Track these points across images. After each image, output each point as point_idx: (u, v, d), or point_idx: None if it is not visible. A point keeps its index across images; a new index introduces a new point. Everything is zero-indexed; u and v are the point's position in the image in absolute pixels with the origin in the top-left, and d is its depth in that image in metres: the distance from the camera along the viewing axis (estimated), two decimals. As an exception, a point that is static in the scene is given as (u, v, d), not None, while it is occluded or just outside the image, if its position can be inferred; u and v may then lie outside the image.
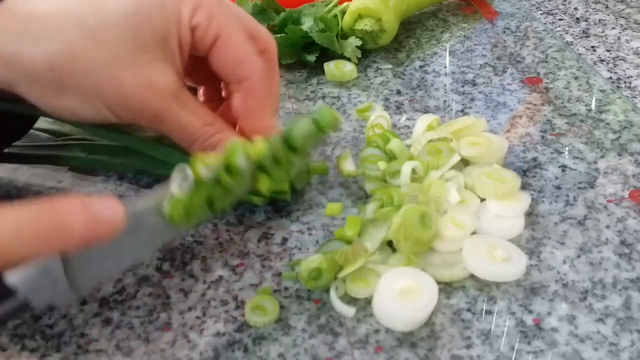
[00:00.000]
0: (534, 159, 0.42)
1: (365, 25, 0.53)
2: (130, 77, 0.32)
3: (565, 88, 0.50)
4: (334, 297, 0.33)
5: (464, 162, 0.40)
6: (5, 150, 0.42)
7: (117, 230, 0.26)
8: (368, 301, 0.33)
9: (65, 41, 0.31)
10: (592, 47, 0.56)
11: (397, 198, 0.36)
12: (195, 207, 0.30)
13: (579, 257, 0.35)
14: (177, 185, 0.29)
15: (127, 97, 0.32)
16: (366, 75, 0.53)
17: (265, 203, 0.39)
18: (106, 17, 0.31)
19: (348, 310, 0.32)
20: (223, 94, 0.39)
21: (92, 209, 0.25)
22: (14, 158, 0.43)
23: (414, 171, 0.38)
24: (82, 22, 0.31)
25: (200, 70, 0.36)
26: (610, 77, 0.51)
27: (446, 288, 0.34)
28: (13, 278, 0.25)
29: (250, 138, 0.34)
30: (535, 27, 0.59)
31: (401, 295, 0.31)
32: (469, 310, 0.32)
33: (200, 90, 0.40)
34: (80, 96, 0.32)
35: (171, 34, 0.32)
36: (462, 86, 0.51)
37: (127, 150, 0.40)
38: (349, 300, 0.33)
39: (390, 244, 0.35)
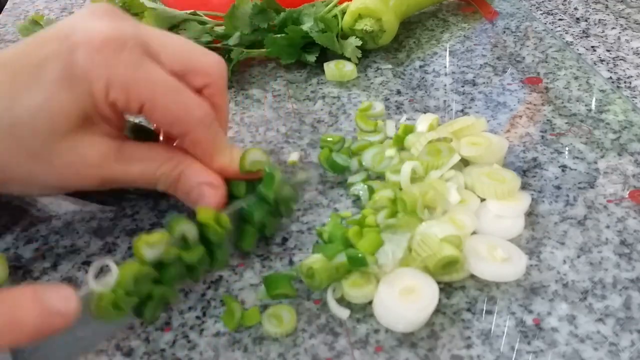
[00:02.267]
0: (534, 159, 0.42)
1: (365, 25, 0.53)
2: (62, 163, 0.32)
3: (565, 88, 0.50)
4: (330, 299, 0.33)
5: (464, 162, 0.40)
6: None
7: (70, 322, 0.26)
8: (368, 301, 0.33)
9: None
10: (592, 47, 0.56)
11: (409, 203, 0.36)
12: (127, 299, 0.28)
13: (579, 257, 0.35)
14: (95, 281, 0.28)
15: (65, 179, 0.32)
16: (366, 75, 0.53)
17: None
18: (20, 114, 0.31)
19: (343, 312, 0.32)
20: None
21: (44, 302, 0.25)
22: None
23: (413, 171, 0.38)
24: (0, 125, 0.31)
25: None
26: (610, 77, 0.51)
27: (446, 288, 0.34)
28: None
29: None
30: (535, 27, 0.59)
31: (402, 296, 0.31)
32: (469, 310, 0.32)
33: None
34: (21, 186, 0.33)
35: (88, 114, 0.32)
36: (462, 86, 0.51)
37: None
38: (348, 301, 0.33)
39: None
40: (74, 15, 0.33)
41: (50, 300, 0.25)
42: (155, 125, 0.35)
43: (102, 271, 0.28)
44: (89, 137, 0.32)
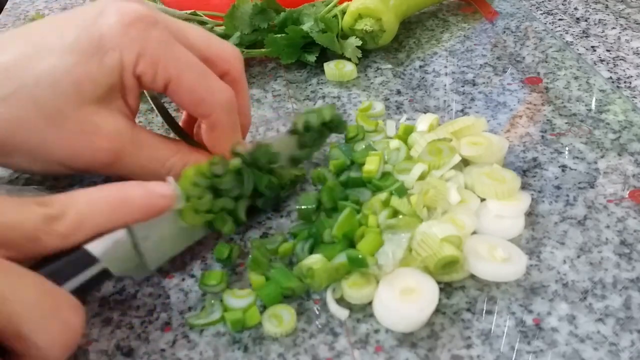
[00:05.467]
0: (534, 159, 0.42)
1: (365, 25, 0.53)
2: (75, 131, 0.32)
3: (565, 88, 0.50)
4: (330, 299, 0.33)
5: (464, 162, 0.40)
6: None
7: (170, 203, 0.31)
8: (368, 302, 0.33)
9: (5, 105, 0.31)
10: (592, 47, 0.56)
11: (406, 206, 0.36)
12: (202, 209, 0.33)
13: (579, 257, 0.35)
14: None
15: (76, 149, 0.32)
16: (366, 75, 0.53)
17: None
18: (43, 76, 0.31)
19: (342, 313, 0.32)
20: None
21: (147, 186, 0.30)
22: None
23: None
24: (21, 84, 0.31)
25: None
26: (610, 77, 0.51)
27: (446, 288, 0.34)
28: (94, 248, 0.29)
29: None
30: (535, 27, 0.59)
31: (402, 296, 0.31)
32: (469, 310, 0.32)
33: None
34: (27, 155, 0.33)
35: (114, 85, 0.32)
36: (462, 86, 0.51)
37: None
38: (348, 302, 0.33)
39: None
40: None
41: (152, 186, 0.31)
42: (178, 104, 0.35)
43: None
44: (108, 111, 0.33)
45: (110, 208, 0.29)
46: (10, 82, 0.31)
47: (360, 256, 0.32)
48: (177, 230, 0.33)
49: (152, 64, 0.32)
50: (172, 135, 0.41)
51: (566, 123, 0.46)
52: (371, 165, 0.39)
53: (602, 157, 0.42)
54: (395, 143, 0.40)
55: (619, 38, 0.57)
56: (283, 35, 0.53)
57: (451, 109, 0.48)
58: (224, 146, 0.36)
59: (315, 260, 0.33)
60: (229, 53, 0.36)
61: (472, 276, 0.34)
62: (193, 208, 0.33)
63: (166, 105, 0.43)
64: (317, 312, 0.33)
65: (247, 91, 0.38)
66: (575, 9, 0.63)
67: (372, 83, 0.52)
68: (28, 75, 0.31)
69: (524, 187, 0.40)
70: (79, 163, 0.33)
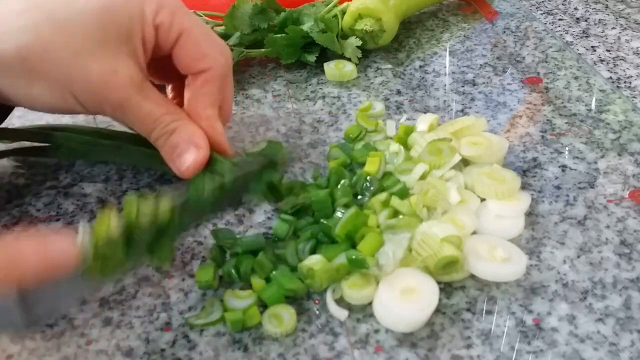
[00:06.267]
0: (534, 159, 0.42)
1: (365, 25, 0.53)
2: (96, 67, 0.33)
3: (565, 88, 0.50)
4: (329, 300, 0.33)
5: (464, 162, 0.40)
6: None
7: (71, 264, 0.27)
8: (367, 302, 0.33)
9: (36, 33, 0.33)
10: (592, 47, 0.56)
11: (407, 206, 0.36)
12: (112, 266, 0.29)
13: (579, 257, 0.35)
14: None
15: (93, 85, 0.34)
16: (366, 75, 0.53)
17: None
18: (75, 13, 0.34)
19: (342, 313, 0.32)
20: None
21: (46, 243, 0.27)
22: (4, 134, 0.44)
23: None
24: (52, 17, 0.33)
25: (167, 69, 0.38)
26: (610, 77, 0.51)
27: (446, 288, 0.34)
28: None
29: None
30: (535, 27, 0.59)
31: (402, 296, 0.31)
32: (469, 310, 0.32)
33: (169, 88, 0.42)
34: (49, 85, 0.34)
35: (135, 32, 0.35)
36: (462, 86, 0.51)
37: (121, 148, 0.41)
38: (348, 303, 0.33)
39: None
40: None
41: (52, 242, 0.28)
42: (181, 60, 0.37)
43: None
44: (125, 57, 0.34)
45: None
46: (42, 14, 0.33)
47: (360, 257, 0.32)
48: (79, 286, 0.29)
49: (170, 15, 0.35)
50: None
51: (566, 123, 0.46)
52: (371, 166, 0.39)
53: (602, 157, 0.42)
54: (394, 147, 0.40)
55: (619, 38, 0.57)
56: (283, 35, 0.53)
57: (451, 109, 0.48)
58: (207, 103, 0.37)
59: (315, 261, 0.33)
60: (221, 44, 0.38)
61: (472, 276, 0.34)
62: (101, 267, 0.29)
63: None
64: (317, 313, 0.33)
65: (232, 88, 0.40)
66: (575, 9, 0.63)
67: (372, 83, 0.52)
68: (61, 12, 0.33)
69: (524, 187, 0.40)
70: (93, 100, 0.35)
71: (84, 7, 0.34)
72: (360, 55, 0.53)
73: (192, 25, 0.36)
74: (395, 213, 0.36)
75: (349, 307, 0.33)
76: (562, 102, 0.48)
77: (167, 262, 0.34)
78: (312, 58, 0.53)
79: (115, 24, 0.34)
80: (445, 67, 0.54)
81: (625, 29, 0.59)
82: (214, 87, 0.37)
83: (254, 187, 0.36)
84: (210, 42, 0.37)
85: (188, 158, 0.35)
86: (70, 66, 0.33)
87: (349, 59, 0.53)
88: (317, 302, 0.33)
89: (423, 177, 0.38)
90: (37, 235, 0.27)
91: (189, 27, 0.36)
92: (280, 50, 0.53)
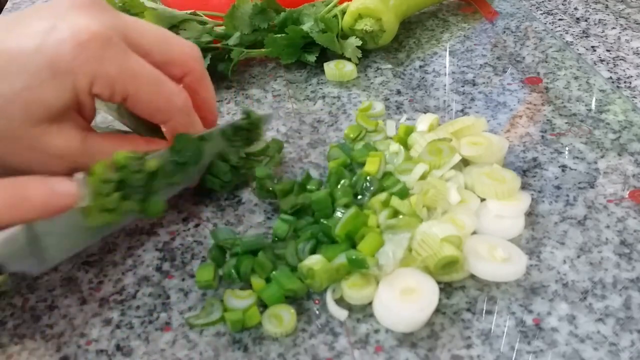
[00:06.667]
0: (534, 159, 0.42)
1: (365, 25, 0.53)
2: (27, 149, 0.32)
3: (565, 88, 0.50)
4: (329, 300, 0.33)
5: (464, 162, 0.40)
6: None
7: (72, 202, 0.30)
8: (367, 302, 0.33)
9: None
10: (592, 47, 0.56)
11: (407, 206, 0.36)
12: (108, 208, 0.32)
13: (579, 257, 0.35)
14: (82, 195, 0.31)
15: (30, 164, 0.33)
16: (366, 75, 0.53)
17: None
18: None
19: (341, 314, 0.32)
20: None
21: (49, 184, 0.30)
22: None
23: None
24: None
25: None
26: (610, 77, 0.51)
27: (446, 288, 0.34)
28: None
29: None
30: (535, 27, 0.59)
31: (402, 296, 0.31)
32: (469, 310, 0.32)
33: None
34: None
35: (67, 106, 0.32)
36: (462, 86, 0.51)
37: None
38: (348, 303, 0.33)
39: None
40: (53, 4, 0.33)
41: (53, 183, 0.30)
42: (136, 114, 0.36)
43: None
44: (59, 128, 0.33)
45: (6, 206, 0.29)
46: None
47: (360, 257, 0.32)
48: (82, 226, 0.32)
49: (109, 84, 0.32)
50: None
51: (566, 123, 0.46)
52: (371, 166, 0.39)
53: (602, 157, 0.42)
54: (394, 147, 0.40)
55: (619, 38, 0.57)
56: (283, 35, 0.53)
57: (451, 109, 0.48)
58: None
59: (315, 261, 0.33)
60: (188, 53, 0.37)
61: (472, 276, 0.34)
62: (99, 207, 0.32)
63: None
64: (317, 313, 0.33)
65: (211, 87, 0.39)
66: (575, 9, 0.63)
67: (372, 83, 0.52)
68: None
69: (524, 187, 0.40)
70: (36, 173, 0.33)
71: (4, 90, 0.31)
72: (360, 55, 0.53)
73: (137, 86, 0.33)
74: (395, 213, 0.36)
75: (349, 307, 0.33)
76: (562, 102, 0.48)
77: (159, 214, 0.35)
78: (312, 58, 0.53)
79: (42, 103, 0.31)
80: (445, 67, 0.54)
81: (625, 29, 0.59)
82: (183, 130, 0.36)
83: (228, 150, 0.40)
84: (164, 90, 0.34)
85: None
86: (2, 153, 0.32)
87: (349, 59, 0.53)
88: (317, 302, 0.33)
89: (423, 177, 0.38)
90: (41, 177, 0.30)
91: (134, 90, 0.33)
92: (280, 50, 0.53)
